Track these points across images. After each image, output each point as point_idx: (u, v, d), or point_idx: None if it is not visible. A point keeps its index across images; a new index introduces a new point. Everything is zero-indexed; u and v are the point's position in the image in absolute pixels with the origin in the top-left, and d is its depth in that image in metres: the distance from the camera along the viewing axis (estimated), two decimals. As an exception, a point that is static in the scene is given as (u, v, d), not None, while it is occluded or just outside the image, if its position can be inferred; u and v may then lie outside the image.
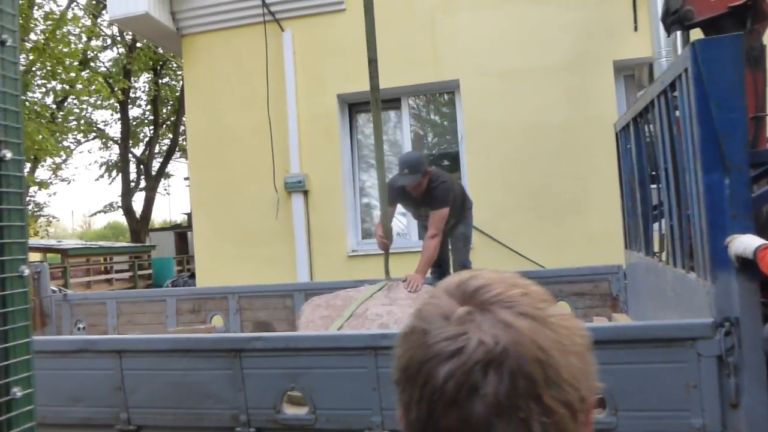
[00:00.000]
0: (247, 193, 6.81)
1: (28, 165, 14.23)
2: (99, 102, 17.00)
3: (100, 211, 22.96)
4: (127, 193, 19.13)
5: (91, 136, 19.25)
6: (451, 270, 4.42)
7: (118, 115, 18.32)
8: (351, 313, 3.43)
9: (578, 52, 5.88)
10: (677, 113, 2.49)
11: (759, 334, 2.18)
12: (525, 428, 0.55)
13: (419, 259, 4.04)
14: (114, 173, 20.41)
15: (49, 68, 12.30)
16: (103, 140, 20.10)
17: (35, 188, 14.68)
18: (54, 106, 14.41)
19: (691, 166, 2.32)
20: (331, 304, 3.79)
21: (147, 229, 21.09)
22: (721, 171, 2.22)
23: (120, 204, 19.95)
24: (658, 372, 2.24)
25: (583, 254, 5.21)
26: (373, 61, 3.71)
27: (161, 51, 16.11)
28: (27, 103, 11.93)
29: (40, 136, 11.72)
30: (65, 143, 15.93)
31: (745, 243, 2.10)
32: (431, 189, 4.07)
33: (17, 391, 1.01)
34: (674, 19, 3.09)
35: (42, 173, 17.47)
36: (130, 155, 19.56)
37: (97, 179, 24.22)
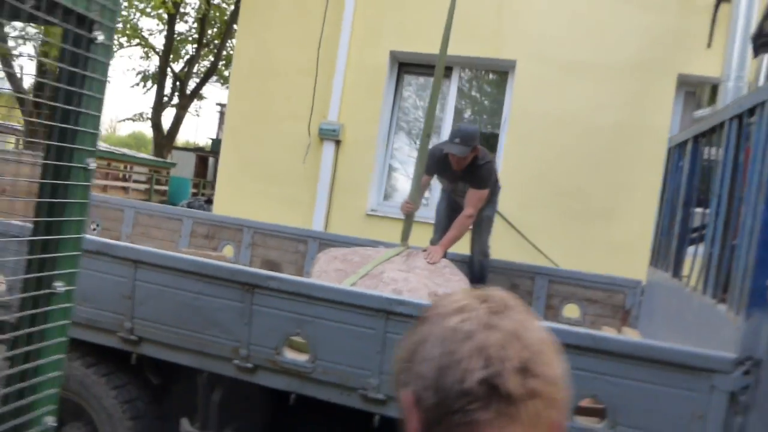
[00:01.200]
0: (280, 131, 6.76)
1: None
2: (148, 10, 16.88)
3: (128, 119, 23.02)
4: (159, 107, 19.13)
5: (134, 42, 19.17)
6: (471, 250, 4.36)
7: (165, 27, 18.21)
8: (366, 272, 3.41)
9: (645, 57, 5.68)
10: (749, 141, 2.38)
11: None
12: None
13: (447, 233, 3.99)
14: (149, 84, 20.36)
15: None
16: (145, 49, 20.02)
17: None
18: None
19: (752, 197, 2.22)
20: (347, 259, 3.77)
21: (171, 146, 21.16)
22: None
23: (149, 116, 19.98)
24: (666, 395, 2.20)
25: (603, 262, 5.13)
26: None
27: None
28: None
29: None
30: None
31: None
32: (476, 167, 3.98)
33: (60, 286, 0.99)
34: (766, 41, 2.96)
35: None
36: (168, 69, 19.48)
37: (132, 87, 24.02)
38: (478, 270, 4.25)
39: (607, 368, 2.24)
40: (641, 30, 5.70)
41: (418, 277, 3.38)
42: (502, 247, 5.90)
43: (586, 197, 5.78)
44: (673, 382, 2.19)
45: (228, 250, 5.03)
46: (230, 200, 6.89)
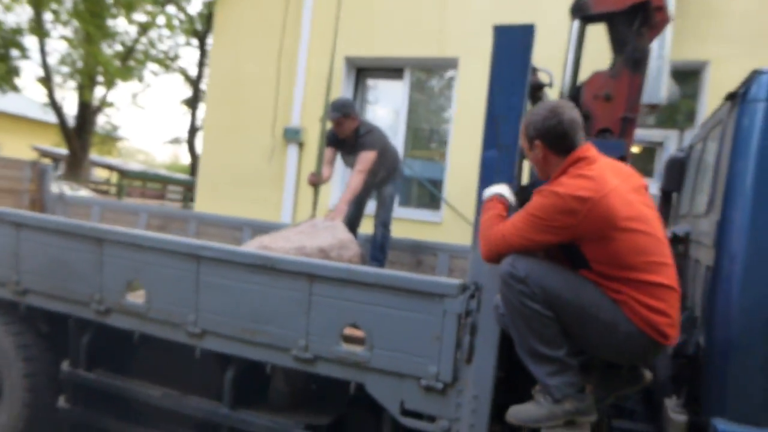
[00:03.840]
0: (250, 137, 7.31)
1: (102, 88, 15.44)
2: (185, 42, 18.11)
3: (170, 141, 24.49)
4: (193, 131, 20.31)
5: (173, 70, 20.49)
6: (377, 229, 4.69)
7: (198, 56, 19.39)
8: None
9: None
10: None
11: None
12: None
13: (343, 193, 4.37)
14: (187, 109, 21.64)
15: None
16: (185, 77, 21.36)
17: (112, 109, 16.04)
18: (134, 35, 15.58)
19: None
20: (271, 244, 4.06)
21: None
22: (495, 149, 2.42)
23: (186, 139, 21.24)
24: (411, 320, 2.50)
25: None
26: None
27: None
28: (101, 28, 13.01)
29: (116, 63, 12.72)
30: (145, 72, 17.10)
31: (488, 190, 2.32)
32: (359, 136, 4.35)
33: None
34: (575, 7, 3.19)
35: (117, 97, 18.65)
36: (201, 95, 20.68)
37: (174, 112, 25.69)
38: (380, 241, 4.57)
39: (362, 297, 2.57)
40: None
41: (300, 235, 3.57)
42: (450, 231, 6.22)
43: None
44: (414, 308, 2.49)
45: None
46: (209, 201, 7.48)
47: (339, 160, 4.81)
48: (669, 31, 5.21)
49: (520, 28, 2.39)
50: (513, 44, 2.39)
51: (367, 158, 4.26)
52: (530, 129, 2.13)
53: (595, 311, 1.94)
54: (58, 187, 6.12)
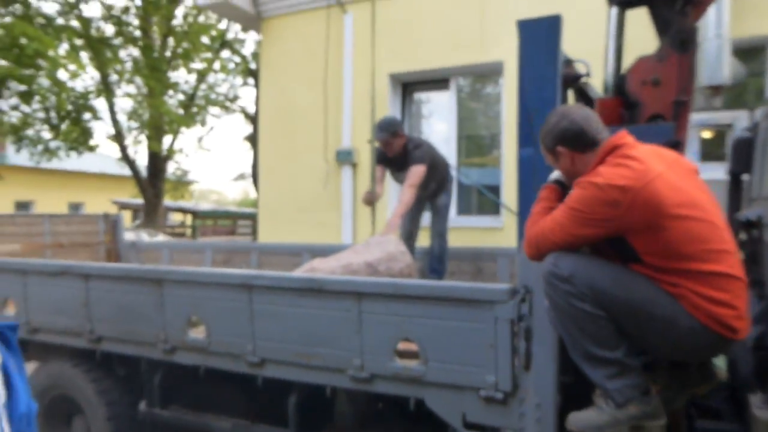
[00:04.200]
0: (304, 163, 7.45)
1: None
2: (242, 83, 18.82)
3: (236, 178, 25.33)
4: (256, 166, 20.91)
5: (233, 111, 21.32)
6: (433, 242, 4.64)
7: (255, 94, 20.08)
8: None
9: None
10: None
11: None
12: None
13: (395, 208, 4.37)
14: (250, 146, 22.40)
15: (186, 48, 14.02)
16: (245, 115, 22.17)
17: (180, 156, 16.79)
18: (193, 83, 16.34)
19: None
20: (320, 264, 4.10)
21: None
22: (531, 146, 2.33)
23: (251, 174, 21.94)
24: (462, 330, 2.43)
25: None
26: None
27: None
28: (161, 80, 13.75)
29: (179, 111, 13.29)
30: (208, 115, 17.86)
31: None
32: (408, 152, 4.34)
33: None
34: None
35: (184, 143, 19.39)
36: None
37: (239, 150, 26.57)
38: (438, 252, 4.52)
39: (411, 311, 2.52)
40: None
41: (350, 253, 3.56)
42: (512, 236, 6.05)
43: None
44: (465, 317, 2.43)
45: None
46: (271, 230, 7.67)
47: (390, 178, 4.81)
48: (726, 8, 4.94)
49: (546, 19, 2.31)
50: (539, 37, 2.30)
51: (416, 172, 4.25)
52: (547, 140, 2.06)
53: (651, 308, 1.81)
54: (137, 235, 6.44)
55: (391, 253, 3.36)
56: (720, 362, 2.20)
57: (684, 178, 1.87)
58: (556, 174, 2.22)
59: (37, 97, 13.10)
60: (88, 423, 3.60)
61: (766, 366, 2.27)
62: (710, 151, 5.91)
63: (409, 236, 4.65)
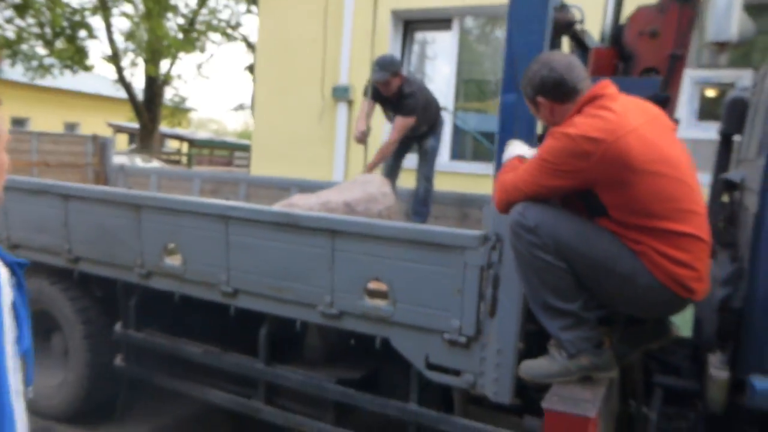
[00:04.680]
0: (300, 97, 7.32)
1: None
2: (246, 10, 18.27)
3: (235, 109, 24.97)
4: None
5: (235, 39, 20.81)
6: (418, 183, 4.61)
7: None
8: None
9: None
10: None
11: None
12: None
13: (373, 157, 4.34)
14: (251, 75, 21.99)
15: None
16: (246, 44, 21.66)
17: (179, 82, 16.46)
18: (194, 7, 15.84)
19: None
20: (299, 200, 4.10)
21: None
22: (514, 92, 2.27)
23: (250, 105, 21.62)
24: (432, 273, 2.44)
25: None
26: None
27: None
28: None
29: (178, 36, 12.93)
30: (209, 42, 17.41)
31: (508, 151, 2.18)
32: (402, 95, 4.25)
33: None
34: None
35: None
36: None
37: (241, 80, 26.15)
38: (422, 194, 4.51)
39: (383, 252, 2.53)
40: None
41: (330, 191, 3.53)
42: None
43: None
44: (435, 261, 2.43)
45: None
46: (264, 163, 7.63)
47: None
48: (740, -39, 4.72)
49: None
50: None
51: (402, 124, 4.20)
52: (528, 89, 2.00)
53: (612, 263, 1.81)
54: (130, 159, 6.38)
55: (372, 195, 3.34)
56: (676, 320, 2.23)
57: (661, 135, 1.84)
58: (517, 148, 2.17)
59: (31, 11, 12.73)
60: (66, 340, 3.66)
61: (728, 328, 2.29)
62: (710, 110, 5.81)
63: (390, 172, 4.62)
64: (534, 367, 1.97)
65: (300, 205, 3.26)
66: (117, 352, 3.59)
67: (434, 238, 2.41)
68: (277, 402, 3.09)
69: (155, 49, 14.42)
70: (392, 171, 4.66)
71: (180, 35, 15.12)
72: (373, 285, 2.62)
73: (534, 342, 2.42)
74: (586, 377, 1.91)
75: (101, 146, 6.15)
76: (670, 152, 1.82)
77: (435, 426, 2.61)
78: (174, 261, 3.15)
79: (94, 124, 21.58)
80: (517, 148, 2.16)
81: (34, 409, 3.63)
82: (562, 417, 1.74)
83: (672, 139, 1.89)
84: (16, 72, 16.46)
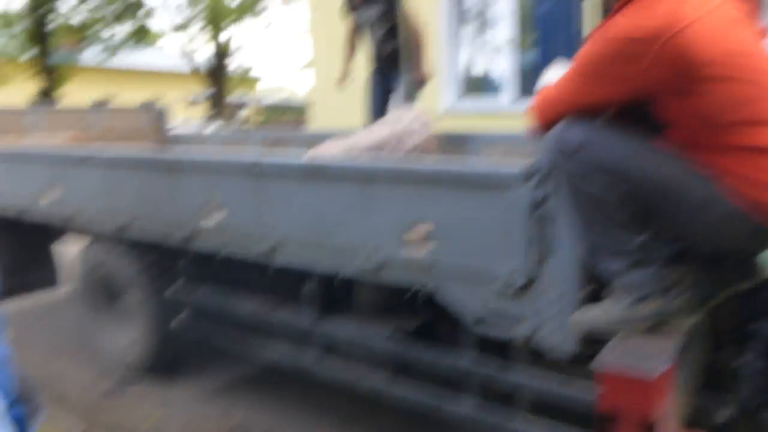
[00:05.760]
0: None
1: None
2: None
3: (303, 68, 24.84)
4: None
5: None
6: None
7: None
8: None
9: None
10: None
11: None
12: None
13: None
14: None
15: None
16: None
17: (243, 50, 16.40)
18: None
19: None
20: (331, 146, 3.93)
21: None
22: None
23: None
24: (475, 217, 2.16)
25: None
26: None
27: None
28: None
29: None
30: (267, 7, 17.28)
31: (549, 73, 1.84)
32: None
33: None
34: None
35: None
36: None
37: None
38: None
39: (419, 196, 2.27)
40: None
41: (361, 135, 3.31)
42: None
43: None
44: (476, 204, 2.15)
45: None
46: (325, 117, 7.51)
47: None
48: None
49: None
50: None
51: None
52: None
53: (676, 191, 1.45)
54: (204, 128, 6.37)
55: (400, 132, 3.05)
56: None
57: (732, 26, 1.43)
58: (556, 72, 1.79)
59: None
60: (127, 304, 3.72)
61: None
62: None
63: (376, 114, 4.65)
64: (588, 318, 1.66)
65: (324, 152, 3.08)
66: (176, 312, 3.57)
67: (471, 178, 2.12)
68: (330, 358, 2.96)
69: (216, 19, 14.48)
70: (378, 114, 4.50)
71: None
72: (412, 234, 2.37)
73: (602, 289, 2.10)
74: (655, 326, 1.58)
75: (157, 116, 6.17)
76: (744, 48, 1.41)
77: (495, 377, 2.37)
78: (211, 222, 3.03)
79: (172, 100, 22.23)
80: (561, 69, 1.80)
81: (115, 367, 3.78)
82: (623, 374, 1.43)
83: (747, 30, 1.47)
84: (91, 58, 17.11)
